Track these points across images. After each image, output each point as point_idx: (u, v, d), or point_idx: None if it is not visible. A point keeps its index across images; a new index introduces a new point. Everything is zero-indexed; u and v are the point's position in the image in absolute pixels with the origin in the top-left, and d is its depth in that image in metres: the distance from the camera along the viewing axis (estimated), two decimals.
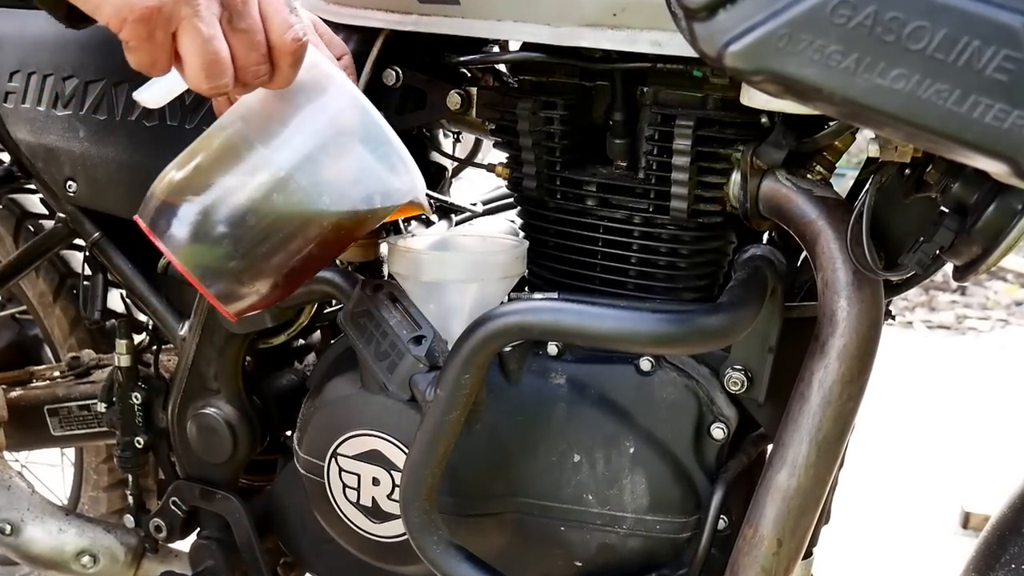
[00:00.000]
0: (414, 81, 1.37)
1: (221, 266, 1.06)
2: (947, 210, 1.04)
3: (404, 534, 1.26)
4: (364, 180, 1.10)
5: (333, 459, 1.36)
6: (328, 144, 1.07)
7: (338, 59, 1.21)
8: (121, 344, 1.64)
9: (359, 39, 1.33)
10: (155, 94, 1.04)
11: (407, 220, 1.55)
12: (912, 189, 1.09)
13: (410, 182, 1.12)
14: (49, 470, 2.40)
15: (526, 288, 1.39)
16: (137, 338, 1.68)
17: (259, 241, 1.06)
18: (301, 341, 1.71)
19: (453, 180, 1.67)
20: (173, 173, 1.08)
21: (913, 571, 2.95)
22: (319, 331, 1.70)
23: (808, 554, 1.35)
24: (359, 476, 1.35)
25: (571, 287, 1.33)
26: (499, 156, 1.41)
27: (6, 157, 1.70)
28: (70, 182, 1.56)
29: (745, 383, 1.25)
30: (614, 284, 1.31)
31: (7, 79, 1.60)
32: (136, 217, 1.08)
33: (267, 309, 1.40)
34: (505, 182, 1.41)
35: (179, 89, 1.02)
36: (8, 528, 1.78)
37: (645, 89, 1.25)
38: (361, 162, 1.09)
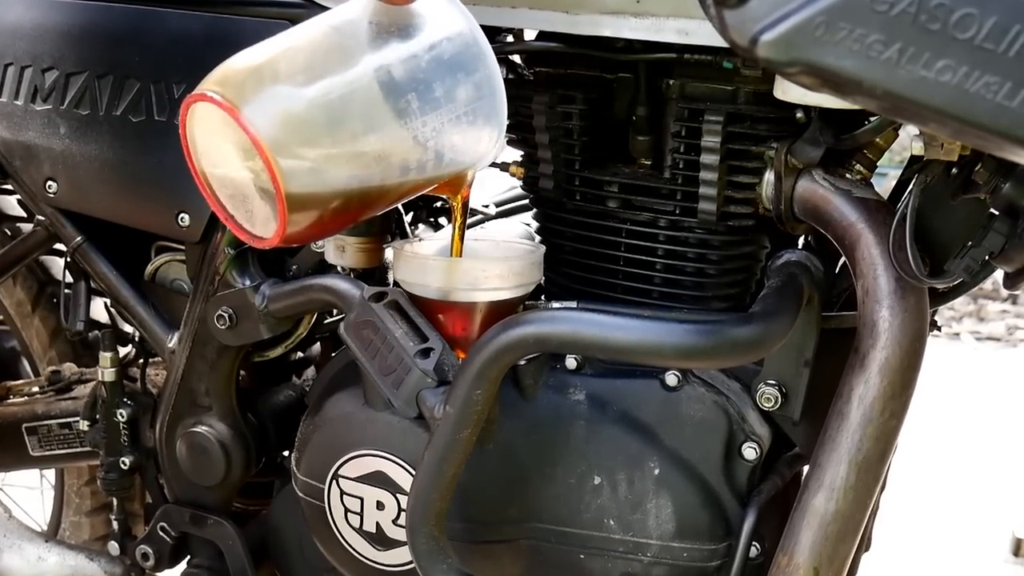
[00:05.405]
0: None
1: (305, 171, 1.07)
2: (997, 212, 1.04)
3: (411, 562, 1.26)
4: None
5: (334, 481, 1.37)
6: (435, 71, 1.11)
7: None
8: (105, 357, 1.65)
9: None
10: None
11: (414, 224, 1.56)
12: (959, 190, 1.09)
13: (489, 146, 1.17)
14: (28, 493, 2.40)
15: (542, 296, 1.39)
16: (122, 351, 1.69)
17: (337, 154, 1.08)
18: (299, 354, 1.72)
19: None
20: (267, 58, 1.10)
21: None
22: (319, 343, 1.71)
23: None
24: (362, 500, 1.35)
25: (591, 295, 1.33)
26: (513, 154, 1.42)
27: None
28: (50, 182, 1.57)
29: (779, 399, 1.25)
30: (638, 292, 1.31)
31: None
32: (208, 93, 1.05)
33: (263, 319, 1.41)
34: (520, 182, 1.41)
35: None
36: None
37: (671, 82, 1.25)
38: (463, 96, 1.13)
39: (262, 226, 1.11)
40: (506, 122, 1.16)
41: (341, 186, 1.09)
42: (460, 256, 1.26)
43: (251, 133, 1.03)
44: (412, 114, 1.09)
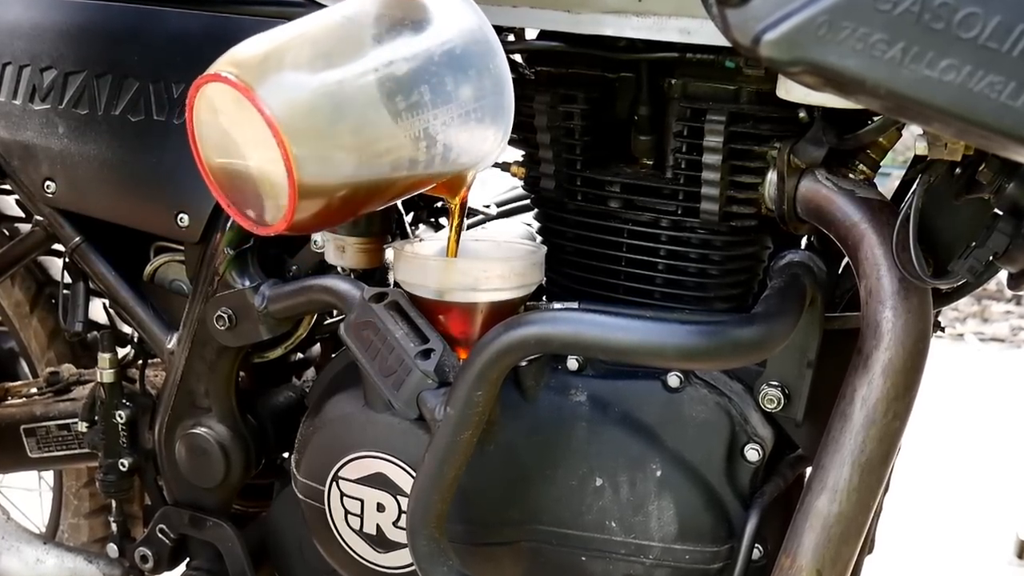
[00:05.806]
0: None
1: (317, 158, 1.07)
2: (1001, 212, 1.04)
3: (411, 565, 1.26)
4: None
5: (334, 483, 1.37)
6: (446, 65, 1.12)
7: None
8: (104, 358, 1.65)
9: None
10: None
11: (415, 224, 1.56)
12: (963, 190, 1.09)
13: (493, 145, 1.17)
14: (26, 495, 2.40)
15: (544, 297, 1.39)
16: (121, 352, 1.69)
17: (344, 142, 1.09)
18: (299, 355, 1.72)
19: None
20: (280, 44, 1.10)
21: None
22: (319, 344, 1.70)
23: None
24: (362, 501, 1.35)
25: (593, 296, 1.33)
26: (515, 154, 1.42)
27: None
28: (48, 182, 1.57)
29: (782, 400, 1.25)
30: (639, 293, 1.31)
31: None
32: (222, 73, 1.05)
33: (263, 320, 1.41)
34: (521, 182, 1.41)
35: None
36: None
37: (673, 81, 1.25)
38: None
39: (267, 214, 1.10)
40: (512, 122, 1.16)
41: (350, 175, 1.09)
42: (455, 257, 1.26)
43: (267, 115, 1.03)
44: (423, 107, 1.09)
